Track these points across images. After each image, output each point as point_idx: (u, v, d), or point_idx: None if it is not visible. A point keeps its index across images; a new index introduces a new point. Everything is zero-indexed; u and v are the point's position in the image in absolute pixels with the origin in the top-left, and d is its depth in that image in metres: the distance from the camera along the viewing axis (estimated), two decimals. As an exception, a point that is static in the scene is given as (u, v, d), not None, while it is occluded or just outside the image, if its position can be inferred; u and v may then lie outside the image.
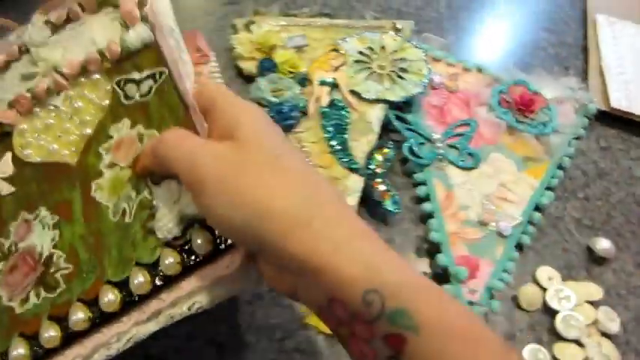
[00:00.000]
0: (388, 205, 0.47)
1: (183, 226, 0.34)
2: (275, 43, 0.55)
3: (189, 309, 0.33)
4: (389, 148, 0.49)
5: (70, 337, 0.34)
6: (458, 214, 0.48)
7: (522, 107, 0.54)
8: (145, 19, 0.42)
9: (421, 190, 0.49)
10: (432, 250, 0.46)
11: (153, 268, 0.34)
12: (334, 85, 0.53)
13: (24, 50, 0.45)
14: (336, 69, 0.54)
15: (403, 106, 0.53)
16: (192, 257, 0.33)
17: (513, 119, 0.54)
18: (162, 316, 0.34)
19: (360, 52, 0.55)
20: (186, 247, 0.34)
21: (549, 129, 0.54)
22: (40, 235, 0.37)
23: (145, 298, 0.34)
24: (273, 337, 0.40)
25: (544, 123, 0.54)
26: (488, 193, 0.49)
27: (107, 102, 0.40)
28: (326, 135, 0.50)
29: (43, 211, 0.38)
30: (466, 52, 0.62)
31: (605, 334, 0.44)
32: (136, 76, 0.40)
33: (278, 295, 0.42)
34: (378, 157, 0.49)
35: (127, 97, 0.40)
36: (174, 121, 0.37)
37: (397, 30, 0.58)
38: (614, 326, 0.43)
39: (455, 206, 0.48)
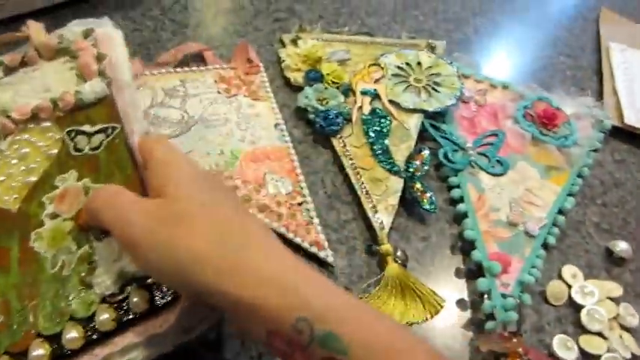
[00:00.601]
0: (425, 204, 0.51)
1: (121, 283, 0.34)
2: (320, 56, 0.60)
3: None
4: (426, 153, 0.54)
5: None
6: (489, 214, 0.52)
7: (545, 121, 0.59)
8: (102, 73, 0.42)
9: (456, 193, 0.53)
10: (465, 247, 0.50)
11: (87, 322, 0.33)
12: (375, 96, 0.58)
13: None
14: (377, 81, 0.59)
15: (437, 117, 0.58)
16: (128, 314, 0.34)
17: (537, 131, 0.59)
18: None
19: (398, 67, 0.60)
20: (123, 304, 0.34)
21: (570, 142, 0.59)
22: None
23: (77, 353, 0.33)
24: None
25: (565, 136, 0.59)
26: (516, 197, 0.54)
27: (55, 151, 0.40)
28: (369, 140, 0.54)
29: None
30: (492, 71, 0.68)
31: (625, 328, 0.47)
32: (87, 128, 0.40)
33: None
34: (417, 161, 0.53)
35: (76, 148, 0.39)
36: (123, 178, 0.38)
37: (431, 48, 0.64)
38: (633, 321, 0.47)
39: (486, 207, 0.52)
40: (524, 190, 0.55)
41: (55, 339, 0.33)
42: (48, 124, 0.41)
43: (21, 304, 0.34)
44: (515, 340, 0.42)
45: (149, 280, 0.35)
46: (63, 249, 0.36)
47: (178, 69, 0.57)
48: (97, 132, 0.40)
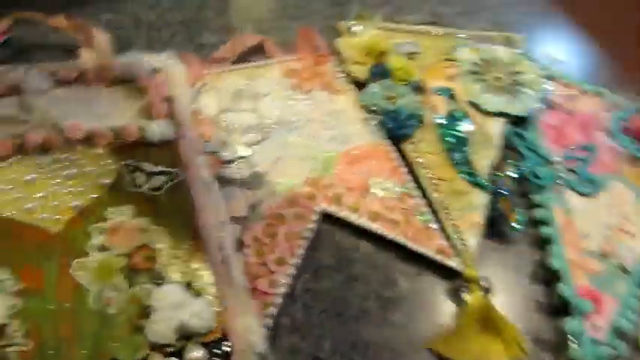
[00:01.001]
0: (514, 223, 0.45)
1: (178, 335, 0.33)
2: (384, 48, 0.54)
3: None
4: (517, 166, 0.48)
5: None
6: (578, 242, 0.46)
7: (645, 139, 0.53)
8: (172, 115, 0.42)
9: (540, 213, 0.47)
10: (547, 277, 0.45)
11: None
12: (451, 95, 0.51)
13: (15, 90, 0.42)
14: (451, 79, 0.52)
15: (519, 123, 0.52)
16: None
17: (636, 149, 0.52)
18: None
19: (475, 63, 0.53)
20: (175, 358, 0.33)
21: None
22: None
23: None
24: None
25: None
26: (609, 224, 0.48)
27: (108, 181, 0.39)
28: (446, 147, 0.48)
29: (6, 274, 0.34)
30: (582, 74, 0.60)
31: None
32: (147, 167, 0.40)
33: (388, 313, 0.40)
34: (507, 175, 0.47)
35: (134, 184, 0.39)
36: (184, 228, 0.37)
37: (509, 42, 0.57)
38: None
39: (574, 233, 0.47)
40: (619, 216, 0.48)
41: None
42: (100, 151, 0.41)
43: (55, 334, 0.32)
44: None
45: (208, 339, 0.33)
46: (110, 285, 0.35)
47: (239, 65, 0.52)
48: (158, 173, 0.40)
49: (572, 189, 0.49)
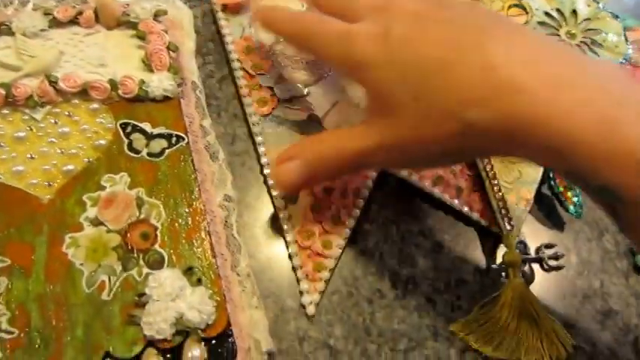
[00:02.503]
0: (569, 206, 0.38)
1: (176, 329, 0.29)
2: None
3: None
4: None
5: None
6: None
7: None
8: (174, 69, 0.36)
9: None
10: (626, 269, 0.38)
11: None
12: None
13: (4, 30, 0.36)
14: None
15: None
16: None
17: None
18: None
19: (547, 14, 0.45)
20: (172, 354, 0.29)
21: None
22: None
23: None
24: (397, 347, 0.33)
25: None
26: None
27: (104, 142, 0.34)
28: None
29: None
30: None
31: None
32: (147, 127, 0.35)
33: (403, 296, 0.34)
34: None
35: (131, 148, 0.34)
36: (185, 202, 0.32)
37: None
38: None
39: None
40: None
41: None
42: (97, 105, 0.35)
43: (44, 321, 0.29)
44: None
45: (209, 334, 0.29)
46: (105, 267, 0.30)
47: None
48: (157, 136, 0.35)
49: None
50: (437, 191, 0.37)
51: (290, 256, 0.33)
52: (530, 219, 0.38)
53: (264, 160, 0.35)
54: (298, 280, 0.33)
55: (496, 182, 0.37)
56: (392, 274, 0.34)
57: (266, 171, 0.35)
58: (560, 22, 0.45)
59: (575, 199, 0.38)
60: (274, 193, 0.34)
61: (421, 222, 0.37)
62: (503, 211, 0.36)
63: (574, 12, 0.45)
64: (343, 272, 0.34)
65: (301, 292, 0.32)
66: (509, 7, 0.46)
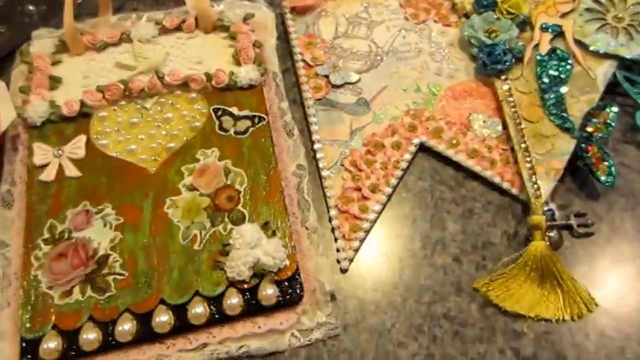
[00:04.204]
0: (600, 175, 0.40)
1: (253, 272, 0.34)
2: None
3: (236, 350, 0.34)
4: (613, 111, 0.41)
5: (109, 346, 0.33)
6: None
7: None
8: (258, 61, 0.43)
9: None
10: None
11: (213, 302, 0.34)
12: (559, 33, 0.45)
13: (125, 38, 0.45)
14: (564, 15, 0.46)
15: (635, 67, 0.44)
16: (255, 304, 0.34)
17: None
18: (208, 349, 0.33)
19: (596, 0, 0.46)
20: (249, 293, 0.34)
21: None
22: (100, 232, 0.36)
23: (196, 328, 0.34)
24: (421, 300, 0.37)
25: None
26: None
27: (199, 124, 0.41)
28: (540, 86, 0.43)
29: (109, 209, 0.37)
30: None
31: None
32: (235, 111, 0.41)
33: (432, 255, 0.38)
34: (599, 119, 0.41)
35: (221, 127, 0.41)
36: (265, 169, 0.39)
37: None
38: None
39: None
40: None
41: (178, 310, 0.34)
42: (194, 95, 0.43)
43: (148, 266, 0.35)
44: None
45: (281, 277, 0.35)
46: (197, 223, 0.37)
47: None
48: (243, 117, 0.41)
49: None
50: (471, 163, 0.41)
51: (329, 219, 0.39)
52: (564, 189, 0.41)
53: (315, 137, 0.42)
54: (336, 239, 0.38)
55: (527, 154, 0.40)
56: (423, 236, 0.39)
57: (316, 146, 0.41)
58: (608, 7, 0.46)
59: (608, 170, 0.40)
60: (321, 165, 0.41)
61: (455, 191, 0.41)
62: (532, 179, 0.39)
63: (623, -4, 0.46)
64: (378, 234, 0.39)
65: (337, 250, 0.38)
66: None
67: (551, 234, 0.38)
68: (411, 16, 0.49)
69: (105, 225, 0.37)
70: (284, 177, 0.39)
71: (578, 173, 0.41)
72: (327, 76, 0.45)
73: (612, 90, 0.44)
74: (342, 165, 0.41)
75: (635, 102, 0.43)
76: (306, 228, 0.37)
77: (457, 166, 0.42)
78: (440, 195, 0.41)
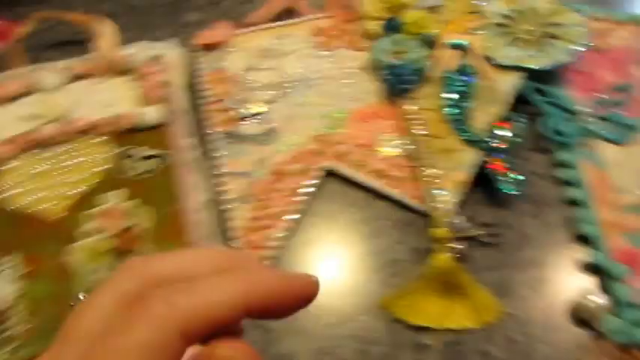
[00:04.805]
0: (506, 185, 0.40)
1: None
2: (406, 1, 0.49)
3: None
4: (519, 122, 0.42)
5: None
6: (614, 199, 0.40)
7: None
8: (165, 100, 0.44)
9: (567, 174, 0.42)
10: (581, 242, 0.39)
11: None
12: (466, 50, 0.47)
13: (34, 88, 0.45)
14: (472, 32, 0.48)
15: (544, 77, 0.46)
16: None
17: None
18: None
19: (505, 15, 0.48)
20: None
21: None
22: (3, 284, 0.36)
23: None
24: (329, 322, 0.36)
25: None
26: (654, 172, 0.41)
27: (106, 167, 0.41)
28: (447, 103, 0.44)
29: (12, 261, 0.37)
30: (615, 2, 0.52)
31: None
32: (142, 151, 0.42)
33: (340, 278, 0.38)
34: (504, 132, 0.42)
35: (128, 169, 0.41)
36: (169, 208, 0.39)
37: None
38: None
39: (610, 190, 0.40)
40: (665, 161, 0.41)
41: None
42: (102, 139, 0.43)
43: (54, 313, 0.35)
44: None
45: None
46: (102, 266, 0.37)
47: (268, 25, 0.51)
48: (150, 156, 0.42)
49: (606, 139, 0.42)
50: (378, 184, 0.41)
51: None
52: (473, 200, 0.41)
53: (220, 170, 0.42)
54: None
55: (432, 170, 0.41)
56: (332, 259, 0.39)
57: (222, 179, 0.42)
58: (518, 21, 0.47)
59: (513, 179, 0.40)
60: (226, 197, 0.41)
61: (364, 211, 0.41)
62: (435, 193, 0.40)
63: (534, 10, 0.47)
64: (288, 260, 0.39)
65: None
66: (468, 13, 0.49)
67: (458, 245, 0.38)
68: (321, 44, 0.50)
69: (8, 276, 0.36)
70: (190, 212, 0.39)
71: (486, 184, 0.41)
72: (235, 109, 0.45)
73: (522, 101, 0.45)
74: (248, 195, 0.41)
75: (542, 111, 0.44)
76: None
77: (366, 187, 0.42)
78: (350, 216, 0.41)
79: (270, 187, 0.41)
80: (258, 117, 0.45)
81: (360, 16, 0.50)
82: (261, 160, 0.43)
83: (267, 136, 0.44)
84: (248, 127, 0.44)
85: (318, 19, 0.51)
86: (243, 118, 0.45)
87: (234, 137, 0.44)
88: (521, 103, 0.45)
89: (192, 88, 0.47)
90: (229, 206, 0.41)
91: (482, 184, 0.42)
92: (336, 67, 0.48)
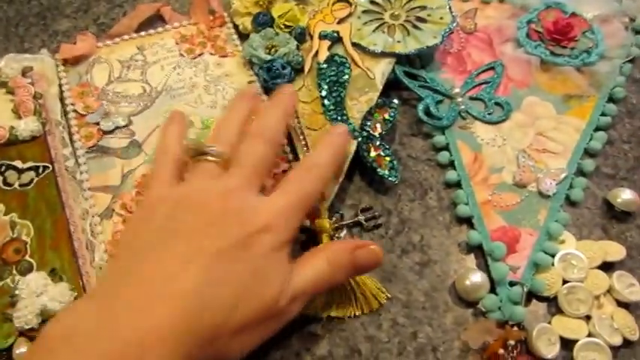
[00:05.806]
0: (382, 171, 0.40)
1: (41, 319, 0.35)
2: None
3: None
4: (391, 107, 0.42)
5: None
6: (489, 178, 0.40)
7: (557, 36, 0.45)
8: (38, 112, 0.43)
9: (443, 157, 0.42)
10: (462, 223, 0.40)
11: (5, 354, 0.34)
12: (336, 39, 0.46)
13: None
14: (341, 21, 0.47)
15: (415, 60, 0.46)
16: None
17: (547, 52, 0.45)
18: None
19: (372, 2, 0.47)
20: None
21: (594, 56, 0.45)
22: None
23: None
24: None
25: (587, 50, 0.45)
26: (525, 147, 0.42)
27: None
28: (321, 94, 0.43)
29: None
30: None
31: (622, 304, 0.36)
32: (18, 164, 0.41)
33: None
34: (377, 118, 0.42)
35: (6, 183, 0.41)
36: (50, 218, 0.39)
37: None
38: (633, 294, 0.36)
39: (485, 170, 0.41)
40: (536, 134, 0.42)
41: None
42: None
43: None
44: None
45: None
46: None
47: (132, 35, 0.49)
48: (27, 169, 0.42)
49: (479, 119, 0.43)
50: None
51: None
52: (354, 189, 0.41)
53: (85, 185, 0.41)
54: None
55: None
56: None
57: (86, 194, 0.40)
58: (385, 7, 0.47)
59: (389, 165, 0.40)
60: (92, 212, 0.39)
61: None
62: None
63: (399, -6, 0.47)
64: None
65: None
66: (334, 2, 0.49)
67: (341, 234, 0.38)
68: (186, 52, 0.48)
69: None
70: (72, 221, 0.39)
71: (365, 172, 0.41)
72: (98, 124, 0.43)
73: (396, 86, 0.45)
74: (113, 209, 0.39)
75: (417, 95, 0.44)
76: (94, 267, 0.37)
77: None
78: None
79: (136, 200, 0.39)
80: (122, 129, 0.43)
81: (225, 21, 0.50)
82: (127, 173, 0.41)
83: (132, 149, 0.43)
84: (112, 141, 0.43)
85: (183, 26, 0.50)
86: (106, 132, 0.43)
87: (98, 151, 0.42)
88: (396, 89, 0.45)
89: (63, 101, 0.45)
90: (96, 220, 0.39)
91: (364, 171, 0.41)
92: (201, 74, 0.47)
